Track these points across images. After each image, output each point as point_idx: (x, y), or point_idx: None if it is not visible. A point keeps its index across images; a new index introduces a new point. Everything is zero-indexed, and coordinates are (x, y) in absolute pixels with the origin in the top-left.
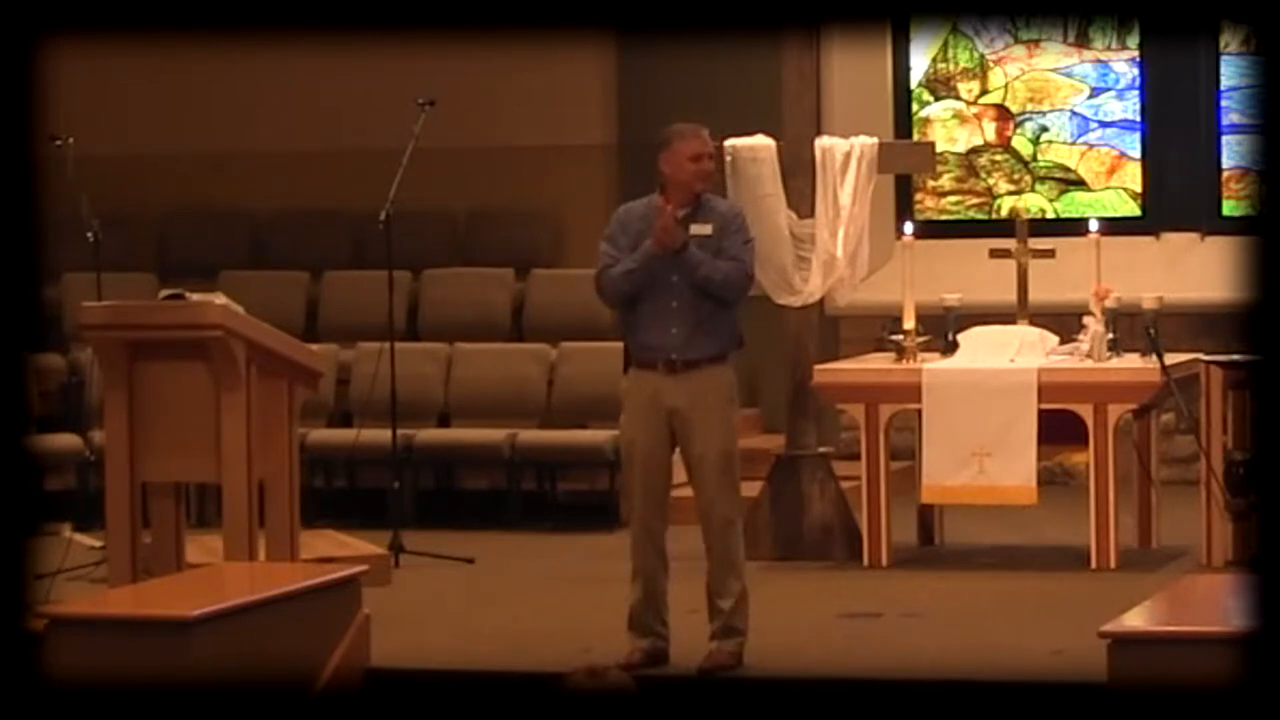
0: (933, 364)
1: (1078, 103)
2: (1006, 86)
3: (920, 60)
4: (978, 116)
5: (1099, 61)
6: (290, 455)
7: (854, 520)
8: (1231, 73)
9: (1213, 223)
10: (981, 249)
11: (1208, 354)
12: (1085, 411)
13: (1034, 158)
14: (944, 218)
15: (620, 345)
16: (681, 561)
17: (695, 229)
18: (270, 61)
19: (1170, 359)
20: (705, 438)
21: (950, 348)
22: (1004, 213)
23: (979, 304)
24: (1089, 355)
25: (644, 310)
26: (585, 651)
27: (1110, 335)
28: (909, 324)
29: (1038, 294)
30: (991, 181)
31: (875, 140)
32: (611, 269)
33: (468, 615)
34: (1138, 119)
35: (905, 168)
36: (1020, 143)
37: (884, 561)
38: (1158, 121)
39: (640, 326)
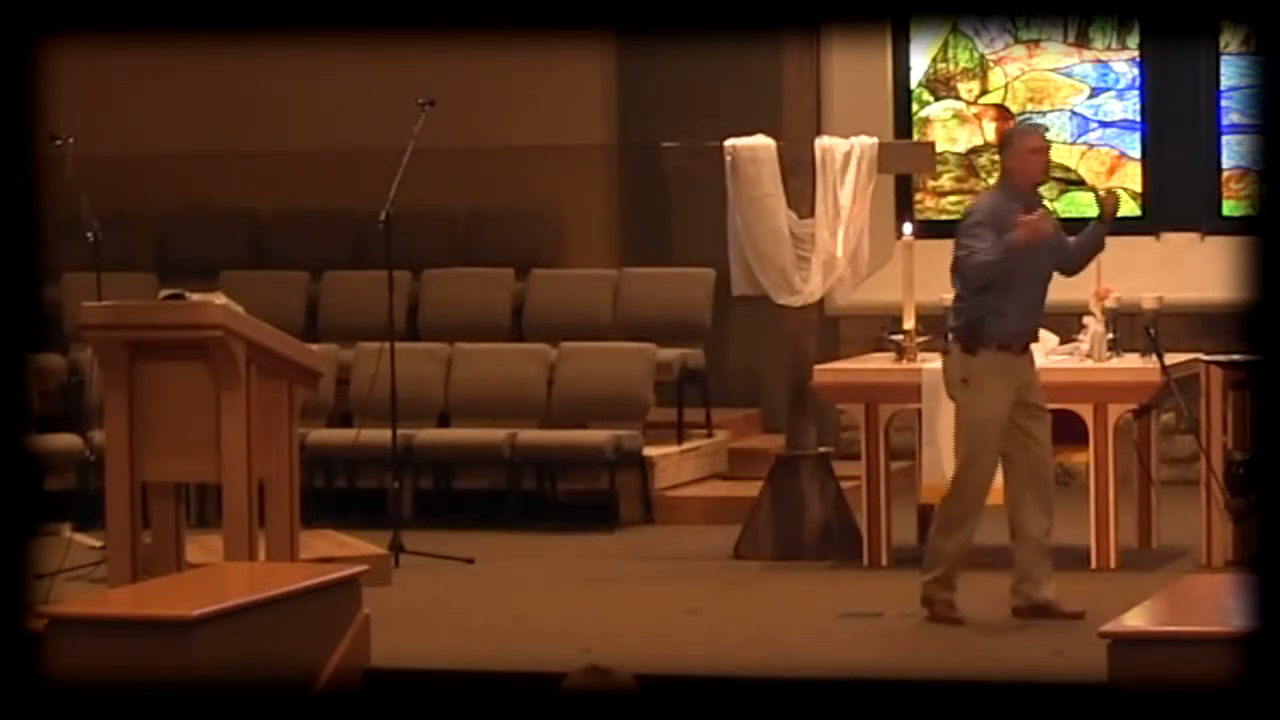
0: (933, 364)
1: (1078, 103)
2: (1006, 86)
3: (920, 60)
4: (978, 116)
5: (1099, 61)
6: (290, 455)
7: (854, 520)
8: (1231, 73)
9: (1213, 223)
10: None
11: (1208, 354)
12: (1085, 411)
13: None
14: (944, 218)
15: (620, 345)
16: (682, 562)
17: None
18: (270, 61)
19: (1170, 359)
20: (1042, 399)
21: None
22: None
23: None
24: (1089, 355)
25: (1019, 299)
26: (585, 651)
27: (1110, 335)
28: (909, 324)
29: None
30: (991, 181)
31: (875, 140)
32: (973, 257)
33: (468, 615)
34: (1138, 119)
35: (905, 168)
36: None
37: (884, 561)
38: (1158, 121)
39: (1012, 313)
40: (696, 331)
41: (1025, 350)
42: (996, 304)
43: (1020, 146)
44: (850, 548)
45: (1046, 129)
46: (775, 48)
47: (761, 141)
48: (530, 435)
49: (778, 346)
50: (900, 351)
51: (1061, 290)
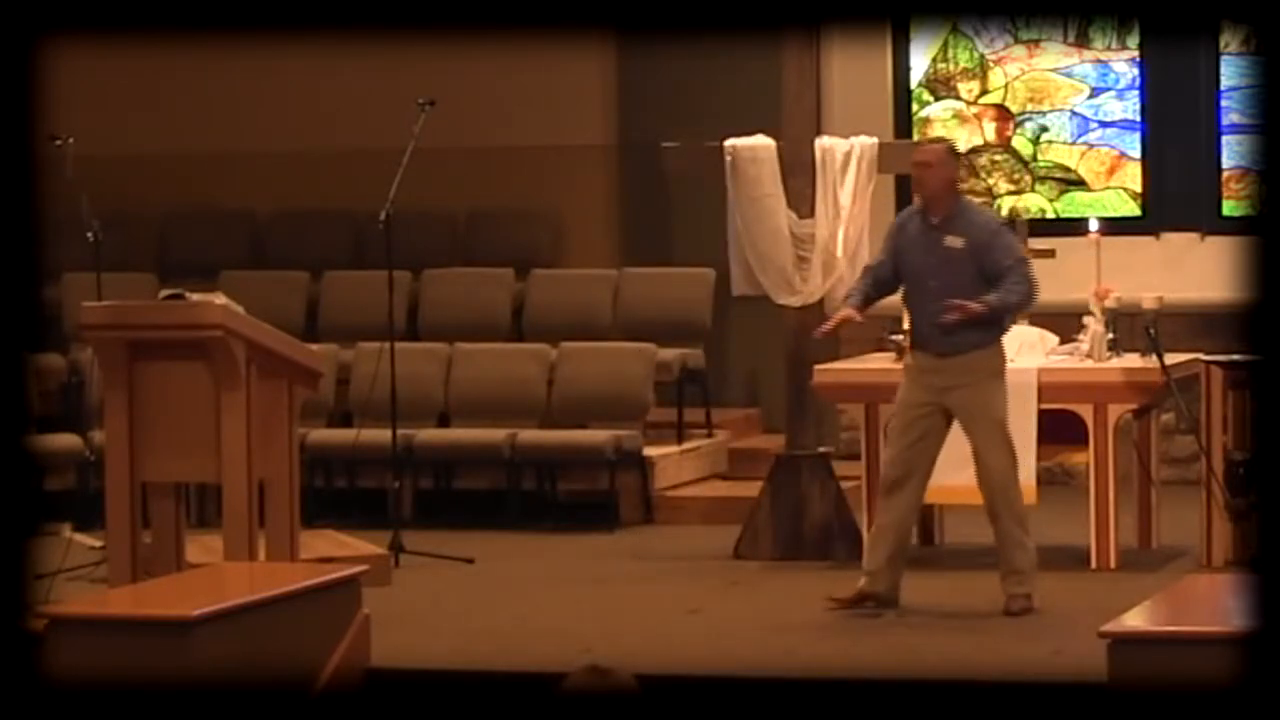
0: None
1: (1078, 103)
2: (1006, 86)
3: (920, 60)
4: (978, 116)
5: (1099, 61)
6: (290, 455)
7: (854, 520)
8: (1231, 73)
9: (1213, 223)
10: None
11: (1208, 354)
12: (1085, 411)
13: (1034, 158)
14: None
15: (620, 345)
16: (682, 562)
17: (949, 240)
18: (270, 61)
19: (1170, 359)
20: (976, 408)
21: None
22: (1004, 213)
23: None
24: (1089, 355)
25: (912, 307)
26: (585, 651)
27: (1110, 335)
28: (909, 324)
29: None
30: (991, 181)
31: (875, 140)
32: (867, 270)
33: (468, 615)
34: (1138, 119)
35: (905, 168)
36: (1020, 143)
37: None
38: (1158, 121)
39: (911, 318)
40: (696, 331)
41: (942, 356)
42: (907, 306)
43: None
44: (850, 548)
45: (950, 144)
46: (775, 48)
47: (761, 141)
48: (530, 435)
49: (778, 346)
50: (900, 351)
51: (1062, 290)
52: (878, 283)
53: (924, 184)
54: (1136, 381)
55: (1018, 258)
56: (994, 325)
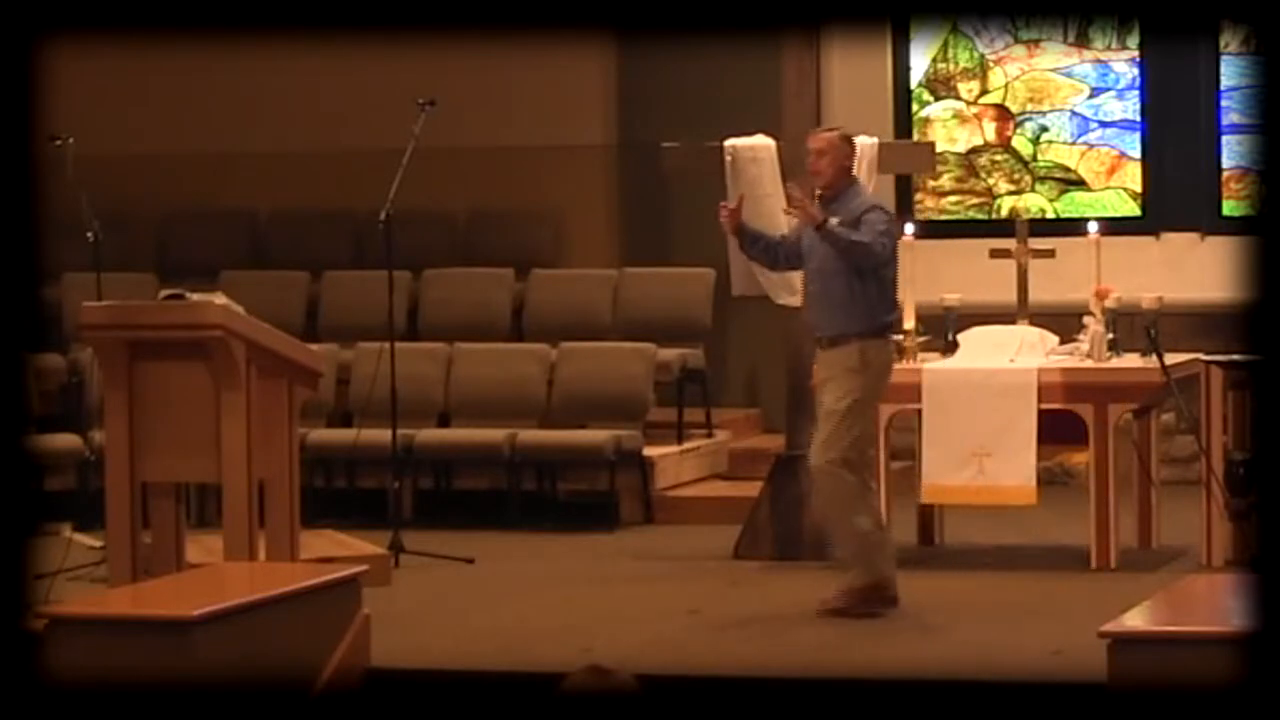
0: (933, 364)
1: (1078, 103)
2: (1006, 86)
3: (920, 60)
4: (978, 116)
5: (1099, 61)
6: (290, 455)
7: None
8: (1231, 73)
9: (1213, 223)
10: (981, 249)
11: (1208, 354)
12: (1085, 411)
13: (1034, 158)
14: (944, 218)
15: (620, 345)
16: (682, 562)
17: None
18: (270, 61)
19: (1170, 359)
20: (826, 402)
21: (950, 348)
22: (1004, 213)
23: (979, 304)
24: (1089, 355)
25: (805, 289)
26: (585, 651)
27: (1110, 335)
28: (909, 324)
29: (1038, 294)
30: (991, 181)
31: (875, 140)
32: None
33: (468, 615)
34: (1138, 119)
35: (905, 168)
36: (1020, 143)
37: None
38: (1158, 121)
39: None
40: (696, 331)
41: (825, 345)
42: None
43: None
44: None
45: (844, 132)
46: (775, 48)
47: (761, 141)
48: (530, 435)
49: (778, 346)
50: (900, 351)
51: (1062, 290)
52: (783, 241)
53: (818, 170)
54: (1136, 381)
55: (877, 231)
56: (864, 318)
